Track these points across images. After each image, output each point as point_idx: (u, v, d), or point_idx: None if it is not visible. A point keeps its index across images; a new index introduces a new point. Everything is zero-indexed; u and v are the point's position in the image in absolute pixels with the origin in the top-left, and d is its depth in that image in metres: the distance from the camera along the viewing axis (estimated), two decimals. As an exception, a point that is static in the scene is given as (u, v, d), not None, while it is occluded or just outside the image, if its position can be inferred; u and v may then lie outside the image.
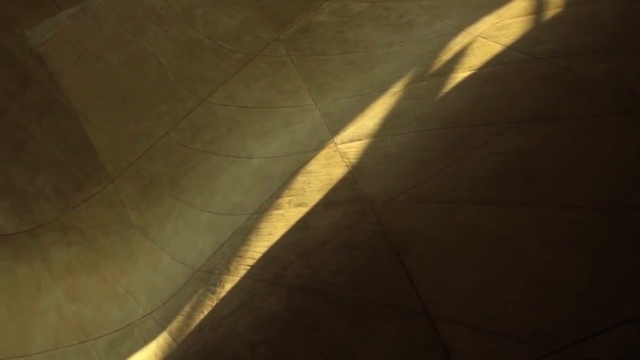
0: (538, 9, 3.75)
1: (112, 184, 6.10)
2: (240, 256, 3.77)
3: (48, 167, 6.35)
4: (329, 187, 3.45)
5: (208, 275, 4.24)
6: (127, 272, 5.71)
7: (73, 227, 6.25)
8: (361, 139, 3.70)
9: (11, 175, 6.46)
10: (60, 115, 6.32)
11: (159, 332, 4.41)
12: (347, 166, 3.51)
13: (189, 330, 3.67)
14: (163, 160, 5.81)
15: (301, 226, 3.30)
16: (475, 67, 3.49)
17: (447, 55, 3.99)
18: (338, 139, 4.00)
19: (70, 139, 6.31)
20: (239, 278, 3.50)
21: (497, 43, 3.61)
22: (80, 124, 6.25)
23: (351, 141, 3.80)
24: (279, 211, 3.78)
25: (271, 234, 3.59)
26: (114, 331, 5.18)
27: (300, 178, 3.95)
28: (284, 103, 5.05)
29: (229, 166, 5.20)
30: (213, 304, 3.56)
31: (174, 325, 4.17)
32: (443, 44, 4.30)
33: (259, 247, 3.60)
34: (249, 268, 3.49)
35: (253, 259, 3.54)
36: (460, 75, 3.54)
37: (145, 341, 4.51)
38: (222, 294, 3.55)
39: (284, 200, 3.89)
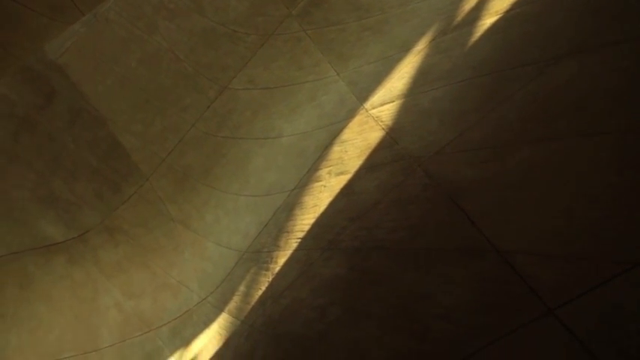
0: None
1: (148, 183, 6.27)
2: (288, 232, 3.87)
3: (85, 174, 6.56)
4: (368, 151, 3.48)
5: (257, 255, 4.37)
6: (175, 264, 5.93)
7: (118, 228, 6.49)
8: (393, 101, 3.69)
9: (52, 186, 6.71)
10: (88, 123, 6.49)
11: (217, 314, 4.59)
12: (383, 129, 3.52)
13: (249, 307, 3.82)
14: (194, 152, 5.92)
15: (347, 192, 3.35)
16: (502, 11, 3.41)
17: (469, 4, 3.89)
18: (368, 105, 4.00)
19: (101, 145, 6.48)
20: (291, 252, 3.60)
21: (521, -18, 3.50)
22: (109, 128, 6.40)
23: (383, 104, 3.79)
24: (320, 183, 3.84)
25: (316, 205, 3.66)
26: (173, 319, 5.42)
27: (336, 148, 3.98)
28: (306, 78, 5.05)
29: (260, 148, 5.27)
30: (270, 280, 3.69)
31: (232, 305, 4.33)
32: (461, -6, 4.20)
33: (306, 219, 3.68)
34: (299, 240, 3.58)
35: (302, 231, 3.62)
36: (487, 21, 3.46)
37: (205, 324, 4.71)
38: (277, 269, 3.66)
39: (323, 172, 3.94)
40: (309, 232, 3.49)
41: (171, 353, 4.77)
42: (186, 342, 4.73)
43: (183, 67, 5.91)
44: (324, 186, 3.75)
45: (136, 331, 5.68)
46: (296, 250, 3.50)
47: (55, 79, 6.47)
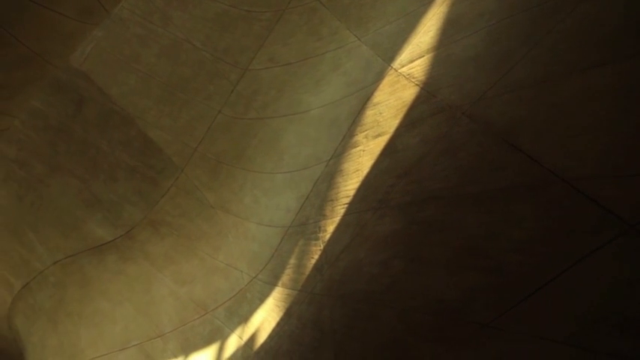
0: None
1: (183, 174, 6.43)
2: (332, 200, 3.93)
3: (123, 174, 6.78)
4: (404, 109, 3.46)
5: (303, 227, 4.47)
6: (220, 248, 6.13)
7: (161, 221, 6.72)
8: (422, 56, 3.63)
9: (94, 189, 6.98)
10: (118, 124, 6.66)
11: (271, 289, 4.76)
12: (417, 85, 3.49)
13: (304, 276, 3.94)
14: (224, 137, 6.02)
15: (388, 152, 3.36)
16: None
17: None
18: (396, 64, 3.95)
19: (134, 143, 6.66)
20: (340, 218, 3.67)
21: None
22: (138, 126, 6.56)
23: (412, 61, 3.74)
24: (359, 148, 3.86)
25: (358, 170, 3.69)
26: (227, 300, 5.64)
27: (369, 112, 3.97)
28: (326, 48, 5.01)
29: (290, 124, 5.31)
30: (321, 248, 3.78)
31: (285, 278, 4.47)
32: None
33: (350, 185, 3.73)
34: (346, 206, 3.64)
35: (348, 197, 3.67)
36: (513, -43, 3.33)
37: (261, 299, 4.89)
38: (327, 236, 3.75)
39: (359, 137, 3.95)
40: (356, 196, 3.54)
41: (232, 330, 5.00)
42: (244, 319, 4.93)
43: (201, 55, 5.94)
44: (363, 150, 3.77)
45: (194, 315, 5.96)
46: (345, 216, 3.56)
47: (81, 86, 6.63)
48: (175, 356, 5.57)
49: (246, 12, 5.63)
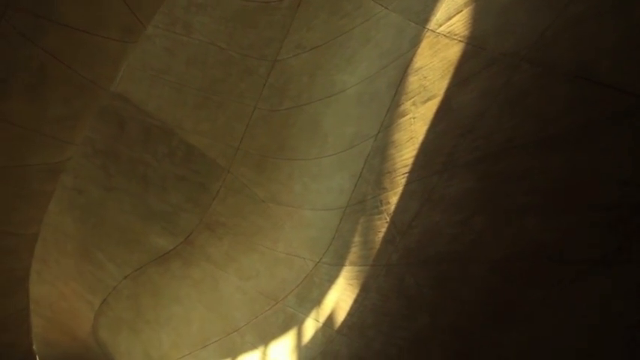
0: None
1: (230, 174, 6.60)
2: (389, 172, 3.94)
3: (172, 184, 7.03)
4: (451, 69, 3.39)
5: (362, 205, 4.51)
6: (279, 240, 6.29)
7: (216, 223, 6.96)
8: (460, 11, 3.53)
9: (149, 203, 7.28)
10: (160, 137, 6.88)
11: (339, 270, 4.85)
12: (460, 41, 3.40)
13: (374, 251, 4.00)
14: (263, 132, 6.12)
15: (443, 114, 3.32)
16: None
17: None
18: (432, 24, 3.86)
19: (177, 153, 6.88)
20: (401, 188, 3.68)
21: None
22: (179, 136, 6.75)
23: (450, 18, 3.64)
24: (408, 116, 3.83)
25: (412, 138, 3.68)
26: (295, 287, 5.81)
27: (412, 79, 3.92)
28: (353, 23, 4.95)
29: (327, 107, 5.33)
30: (388, 220, 3.81)
31: (352, 256, 4.55)
32: None
33: (406, 154, 3.72)
34: (407, 175, 3.64)
35: (406, 166, 3.67)
36: None
37: (330, 281, 5.01)
38: (392, 208, 3.77)
39: (406, 105, 3.91)
40: (415, 164, 3.53)
41: (307, 315, 5.16)
42: (317, 302, 5.07)
43: (228, 55, 6.02)
44: (414, 117, 3.74)
45: (265, 307, 6.18)
46: (407, 185, 3.57)
47: (120, 107, 6.88)
48: (255, 347, 5.82)
49: (265, 3, 5.63)
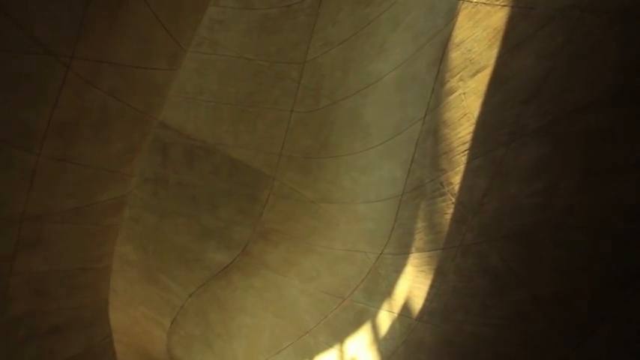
0: None
1: (276, 181, 6.69)
2: (446, 152, 3.87)
3: (221, 200, 7.20)
4: (499, 35, 3.29)
5: (420, 190, 4.46)
6: (335, 238, 6.32)
7: (270, 231, 7.08)
8: (497, -25, 3.41)
9: (202, 222, 7.50)
10: (203, 156, 7.07)
11: (405, 258, 4.82)
12: (504, 6, 3.29)
13: (443, 234, 3.94)
14: (304, 134, 6.16)
15: (498, 83, 3.23)
16: None
17: None
18: (467, -5, 3.75)
19: (222, 169, 7.04)
20: (463, 166, 3.60)
21: None
22: (221, 152, 6.91)
23: (486, -15, 3.53)
24: (457, 93, 3.75)
25: (466, 114, 3.59)
26: (360, 282, 5.82)
27: (455, 54, 3.83)
28: (379, 10, 4.89)
29: (365, 99, 5.30)
30: (453, 201, 3.75)
31: (418, 243, 4.51)
32: None
33: (462, 131, 3.64)
34: (467, 152, 3.56)
35: (465, 143, 3.59)
36: None
37: (397, 271, 4.98)
38: (456, 187, 3.70)
39: (453, 82, 3.83)
40: (475, 139, 3.45)
41: (379, 308, 5.16)
42: (387, 294, 5.06)
43: (257, 65, 6.10)
44: (464, 93, 3.65)
45: (332, 305, 6.23)
46: (469, 162, 3.50)
47: (161, 134, 7.11)
48: (330, 346, 5.88)
49: (286, 7, 5.66)
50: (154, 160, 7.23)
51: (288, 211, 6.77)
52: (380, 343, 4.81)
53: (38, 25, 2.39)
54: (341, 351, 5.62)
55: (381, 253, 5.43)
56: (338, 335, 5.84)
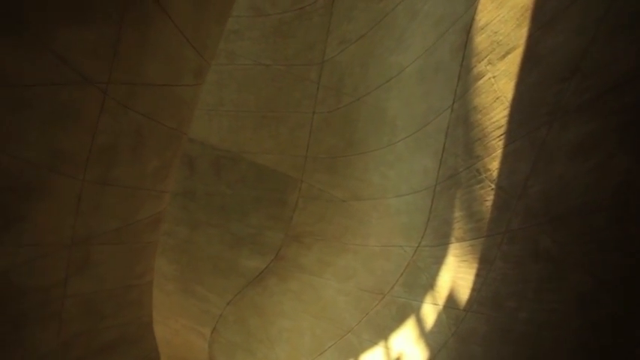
0: None
1: (304, 183, 6.71)
2: (480, 138, 3.80)
3: (250, 206, 7.27)
4: (527, 14, 3.20)
5: (454, 179, 4.39)
6: (369, 235, 6.29)
7: (302, 233, 7.10)
8: (518, -48, 3.32)
9: (233, 230, 7.59)
10: (229, 165, 7.15)
11: (444, 249, 4.76)
12: (529, -17, 3.20)
13: (484, 222, 3.87)
14: (328, 134, 6.16)
15: (531, 63, 3.14)
16: None
17: None
18: (487, -24, 3.67)
19: (248, 176, 7.11)
20: (500, 150, 3.53)
21: None
22: (247, 159, 6.98)
23: (507, -37, 3.44)
24: (486, 77, 3.67)
25: (499, 97, 3.52)
26: (399, 277, 5.78)
27: (480, 38, 3.75)
28: (393, 1, 4.84)
29: (388, 92, 5.25)
30: (492, 187, 3.67)
31: (457, 233, 4.44)
32: None
33: (496, 115, 3.56)
34: (503, 136, 3.49)
35: (500, 127, 3.52)
36: None
37: (437, 263, 4.92)
38: (494, 172, 3.63)
39: (481, 66, 3.75)
40: (511, 123, 3.38)
41: (421, 301, 5.11)
42: (428, 286, 5.00)
43: (275, 70, 6.12)
44: (494, 76, 3.57)
45: (373, 302, 6.21)
46: (507, 146, 3.42)
47: (187, 148, 7.22)
48: (375, 343, 5.86)
49: (299, 10, 5.67)
50: (182, 175, 7.35)
51: (319, 212, 6.78)
52: (427, 336, 4.76)
53: (76, 55, 2.45)
54: (386, 347, 5.60)
55: (418, 246, 5.38)
56: (381, 332, 5.81)
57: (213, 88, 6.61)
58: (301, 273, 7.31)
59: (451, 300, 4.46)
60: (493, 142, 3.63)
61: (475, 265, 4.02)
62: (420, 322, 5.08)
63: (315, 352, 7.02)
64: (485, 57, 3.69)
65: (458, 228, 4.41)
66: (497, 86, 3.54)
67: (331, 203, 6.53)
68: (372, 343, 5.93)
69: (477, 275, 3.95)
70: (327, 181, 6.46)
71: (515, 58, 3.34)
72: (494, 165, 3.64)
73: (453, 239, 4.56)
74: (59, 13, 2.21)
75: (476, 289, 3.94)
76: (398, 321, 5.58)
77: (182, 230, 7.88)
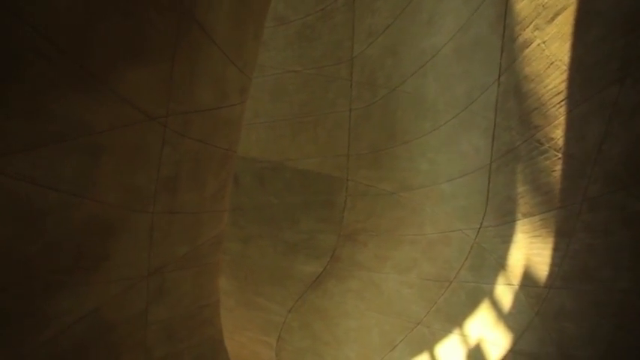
0: None
1: (350, 182, 6.68)
2: (536, 108, 3.64)
3: (300, 213, 7.31)
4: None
5: (512, 153, 4.23)
6: (424, 223, 6.18)
7: (355, 231, 7.07)
8: None
9: (285, 238, 7.65)
10: (272, 176, 7.22)
11: (511, 226, 4.59)
12: (570, -63, 3.03)
13: (554, 194, 3.70)
14: (367, 129, 6.10)
15: (588, 20, 2.97)
16: None
17: None
18: (520, -61, 3.51)
19: (294, 183, 7.15)
20: (563, 117, 3.36)
21: None
22: (289, 167, 7.02)
23: None
24: (534, 44, 3.51)
25: (552, 62, 3.35)
26: (464, 261, 5.63)
27: (521, 5, 3.59)
28: (419, -15, 4.73)
29: (424, 78, 5.14)
30: (560, 155, 3.51)
31: (524, 208, 4.28)
32: None
33: (552, 81, 3.40)
34: (564, 102, 3.32)
35: (559, 93, 3.35)
36: None
37: (505, 241, 4.76)
38: (560, 142, 3.46)
39: (526, 33, 3.59)
40: (572, 86, 3.21)
41: (493, 283, 4.96)
42: (499, 266, 4.85)
43: (305, 74, 6.13)
44: (543, 41, 3.41)
45: (439, 290, 6.09)
46: (570, 112, 3.25)
47: (228, 165, 7.29)
48: (449, 331, 5.75)
49: (320, 11, 5.64)
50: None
51: (369, 208, 6.73)
52: (506, 319, 4.62)
53: (138, 94, 2.54)
54: (462, 335, 5.48)
55: (479, 227, 5.23)
56: (454, 319, 5.70)
57: (247, 102, 6.69)
58: (360, 271, 7.29)
59: (528, 278, 4.29)
60: (553, 109, 3.46)
61: (551, 240, 3.86)
62: (495, 304, 4.93)
63: (386, 348, 6.98)
64: (531, 23, 3.53)
65: (524, 203, 4.25)
66: (550, 51, 3.38)
67: (380, 197, 6.47)
68: (446, 332, 5.82)
69: (555, 249, 3.79)
70: (373, 176, 6.40)
71: (566, 19, 3.17)
72: (557, 133, 3.47)
73: (519, 215, 4.39)
74: (120, 57, 2.29)
75: (556, 265, 3.78)
76: (470, 306, 5.45)
77: (235, 246, 8.05)
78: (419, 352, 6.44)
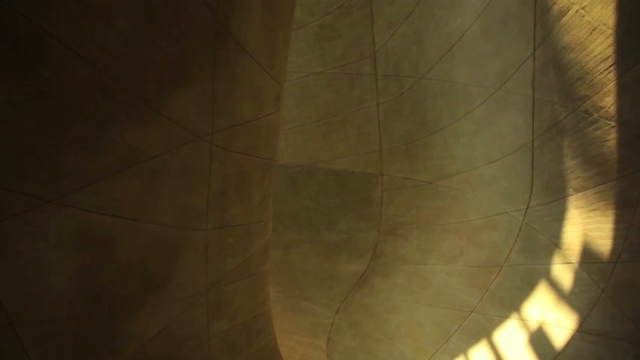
0: None
1: (385, 177, 6.63)
2: (580, 77, 3.49)
3: (338, 213, 7.30)
4: None
5: (556, 128, 4.09)
6: (466, 211, 6.06)
7: (395, 226, 7.00)
8: None
9: (325, 240, 7.66)
10: (306, 180, 7.24)
11: (561, 203, 4.44)
12: None
13: (609, 163, 3.55)
14: (398, 121, 6.03)
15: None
16: None
17: None
18: None
19: (328, 184, 7.15)
20: (613, 83, 3.22)
21: None
22: (322, 169, 7.01)
23: None
24: (572, 11, 3.37)
25: (594, 28, 3.21)
26: (513, 244, 5.48)
27: (552, -27, 3.46)
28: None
29: (451, 61, 5.03)
30: (612, 125, 3.36)
31: (575, 183, 4.12)
32: None
33: (596, 47, 3.26)
34: (613, 67, 3.18)
35: (605, 58, 3.21)
36: None
37: (557, 219, 4.60)
38: (611, 110, 3.32)
39: (561, 2, 3.46)
40: (620, 50, 3.06)
41: (548, 263, 4.80)
42: (553, 246, 4.69)
43: (329, 75, 6.12)
44: (582, 8, 3.27)
45: (490, 276, 5.95)
46: (622, 76, 3.11)
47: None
48: (505, 316, 5.61)
49: (337, 10, 5.63)
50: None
51: (408, 201, 6.66)
52: (569, 299, 4.46)
53: (186, 115, 2.60)
54: (521, 319, 5.33)
55: (527, 208, 5.08)
56: (510, 304, 5.55)
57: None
58: (404, 265, 7.21)
59: (588, 254, 4.13)
60: (600, 76, 3.32)
61: (611, 212, 3.70)
62: (554, 285, 4.77)
63: (441, 339, 6.87)
64: (565, 3, 3.40)
65: (575, 178, 4.10)
66: (591, 16, 3.24)
67: (417, 189, 6.39)
68: (502, 317, 5.68)
69: (618, 221, 3.63)
70: (407, 169, 6.33)
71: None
72: (607, 101, 3.33)
73: (570, 191, 4.24)
74: (168, 81, 2.35)
75: (620, 237, 3.62)
76: (526, 289, 5.29)
77: (276, 253, 8.12)
78: (476, 340, 6.31)
